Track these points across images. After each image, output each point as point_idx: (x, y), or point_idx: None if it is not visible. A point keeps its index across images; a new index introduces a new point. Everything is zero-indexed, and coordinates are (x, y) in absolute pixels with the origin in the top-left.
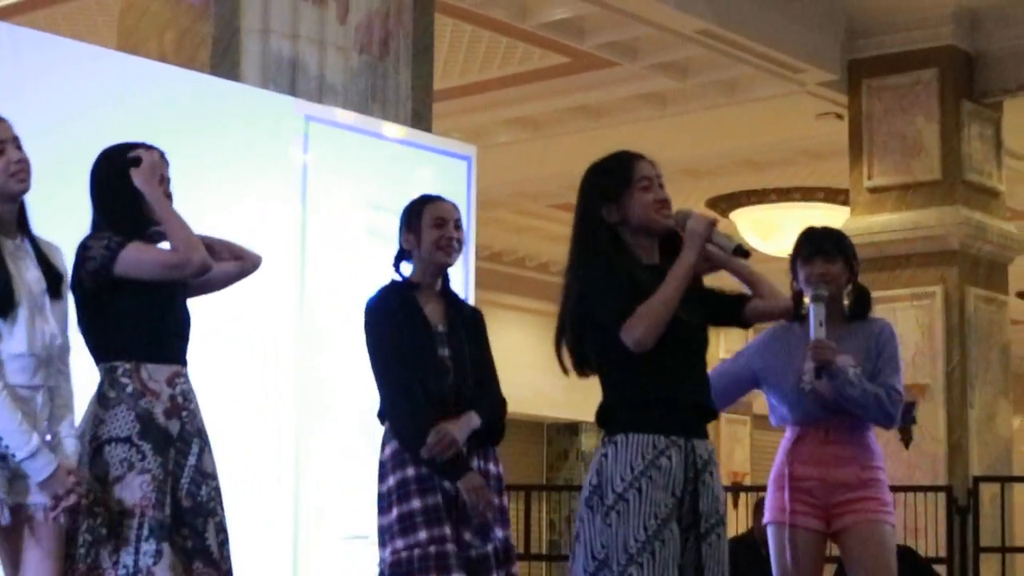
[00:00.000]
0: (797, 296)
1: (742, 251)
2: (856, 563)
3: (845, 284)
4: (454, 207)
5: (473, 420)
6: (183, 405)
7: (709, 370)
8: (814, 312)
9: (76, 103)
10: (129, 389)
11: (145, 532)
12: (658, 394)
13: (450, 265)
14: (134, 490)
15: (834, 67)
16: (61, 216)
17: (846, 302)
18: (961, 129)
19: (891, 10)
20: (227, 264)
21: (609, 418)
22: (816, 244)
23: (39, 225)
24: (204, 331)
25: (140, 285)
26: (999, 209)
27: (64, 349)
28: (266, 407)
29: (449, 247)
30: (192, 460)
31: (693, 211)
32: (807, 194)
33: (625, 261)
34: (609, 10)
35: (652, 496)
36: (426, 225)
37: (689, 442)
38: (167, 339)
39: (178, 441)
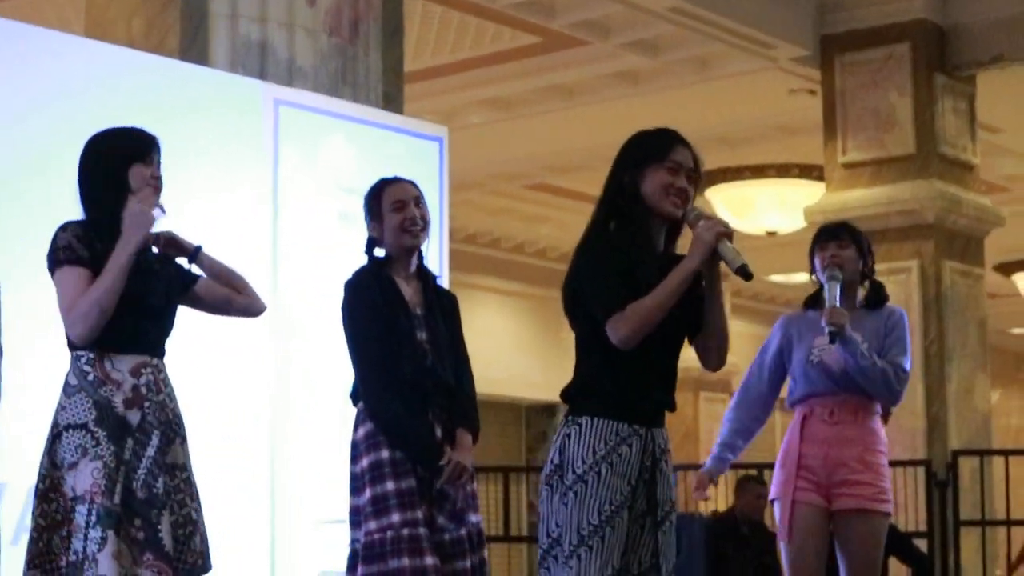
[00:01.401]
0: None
1: (745, 272)
2: (845, 552)
3: (859, 273)
4: (412, 185)
5: (467, 438)
6: (146, 396)
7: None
8: (828, 288)
9: (45, 91)
10: (90, 377)
11: (93, 519)
12: (630, 385)
13: (418, 246)
14: (86, 477)
15: (806, 42)
16: (31, 205)
17: (862, 293)
18: (935, 103)
19: None
20: (230, 295)
21: (577, 398)
22: (831, 231)
23: (9, 214)
24: (177, 320)
25: (101, 276)
26: (974, 182)
27: None
28: (241, 395)
29: (414, 227)
30: (151, 452)
31: (708, 215)
32: (782, 171)
33: (631, 240)
34: None
35: (610, 482)
36: (387, 210)
37: (649, 431)
38: (134, 330)
39: (137, 431)
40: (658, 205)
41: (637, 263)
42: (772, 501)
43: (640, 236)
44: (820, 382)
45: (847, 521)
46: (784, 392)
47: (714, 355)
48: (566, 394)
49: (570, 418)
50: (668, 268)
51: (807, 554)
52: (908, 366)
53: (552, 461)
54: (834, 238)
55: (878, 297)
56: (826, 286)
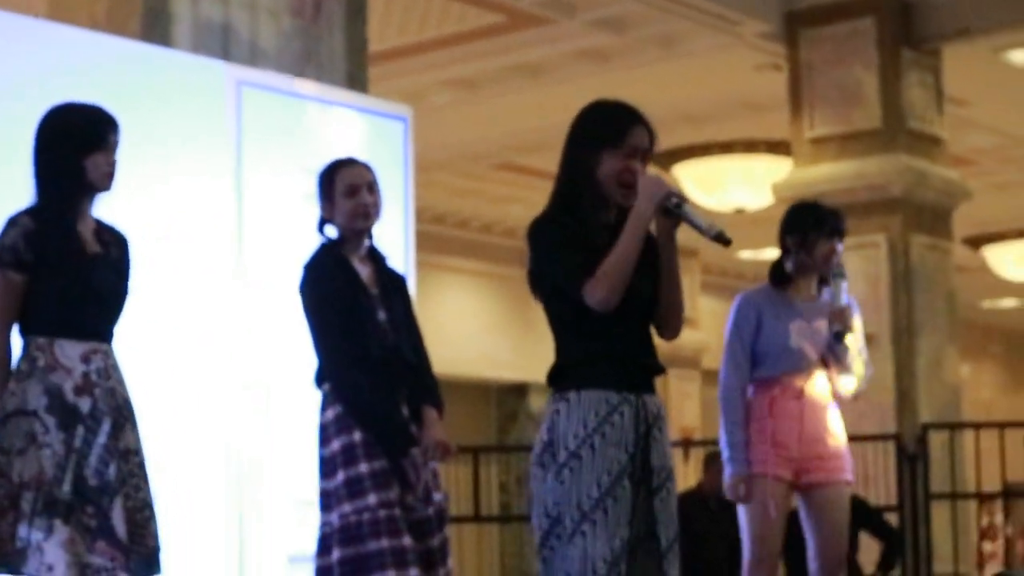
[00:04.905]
0: (783, 259)
1: (723, 238)
2: (816, 522)
3: None
4: (367, 170)
5: (433, 414)
6: (97, 382)
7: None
8: (834, 285)
9: (6, 74)
10: (40, 363)
11: (39, 506)
12: (610, 352)
13: (367, 231)
14: (33, 464)
15: (771, 18)
16: None
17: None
18: (901, 77)
19: None
20: None
21: (561, 377)
22: (841, 227)
23: None
24: (138, 306)
25: (50, 264)
26: (942, 156)
27: None
28: (205, 378)
29: (366, 214)
30: (102, 438)
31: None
32: (749, 147)
33: (581, 216)
34: None
35: (605, 453)
36: (339, 194)
37: (640, 398)
38: (84, 316)
39: (88, 419)
40: (608, 191)
41: (590, 232)
42: (747, 475)
43: (589, 211)
44: (796, 363)
45: (819, 493)
46: (716, 365)
47: (671, 324)
48: (551, 376)
49: (557, 395)
50: (619, 229)
51: (776, 526)
52: (868, 358)
53: (542, 439)
54: (838, 233)
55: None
56: (832, 282)
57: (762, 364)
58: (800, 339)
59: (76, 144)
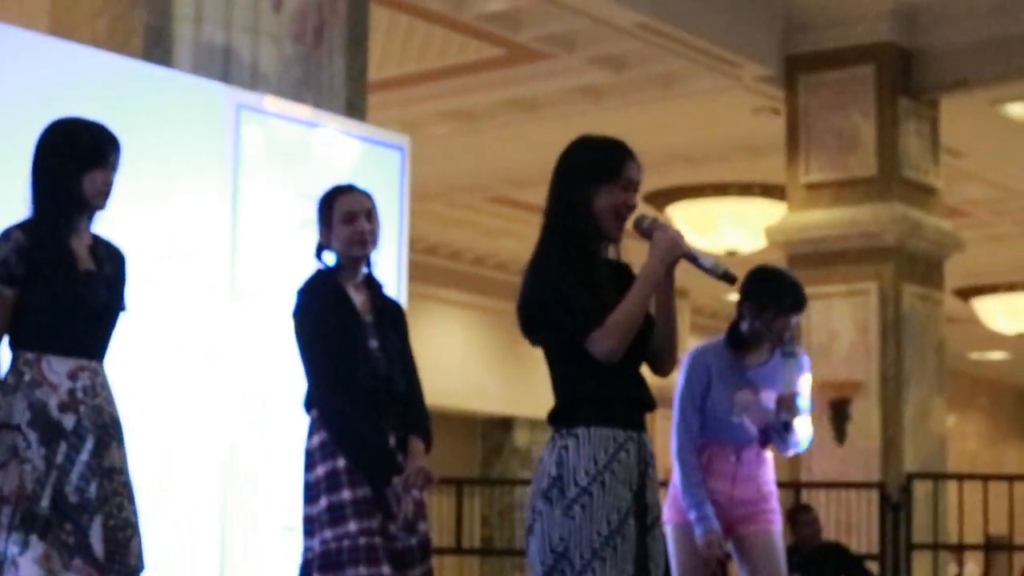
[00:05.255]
0: (739, 320)
1: (728, 276)
2: (752, 569)
3: None
4: (366, 197)
5: (420, 446)
6: (82, 400)
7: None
8: (788, 367)
9: (6, 88)
10: (27, 378)
11: (16, 521)
12: (617, 391)
13: (364, 258)
14: (12, 478)
15: (771, 62)
16: None
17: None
18: (898, 125)
19: (829, 5)
20: None
21: (567, 414)
22: (797, 299)
23: None
24: (134, 323)
25: (41, 279)
26: (936, 206)
27: None
28: (197, 400)
29: (363, 241)
30: (84, 456)
31: (660, 223)
32: (743, 190)
33: (588, 256)
34: (546, 2)
35: (615, 490)
36: (337, 220)
37: (640, 436)
38: (72, 332)
39: (72, 435)
40: (604, 224)
41: (593, 276)
42: (668, 525)
43: (590, 247)
44: (735, 434)
45: (753, 542)
46: None
47: (666, 361)
48: (554, 415)
49: (564, 431)
50: (616, 276)
51: (699, 571)
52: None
53: (549, 474)
54: (798, 308)
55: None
56: (786, 364)
57: (704, 426)
58: (743, 412)
59: (75, 160)
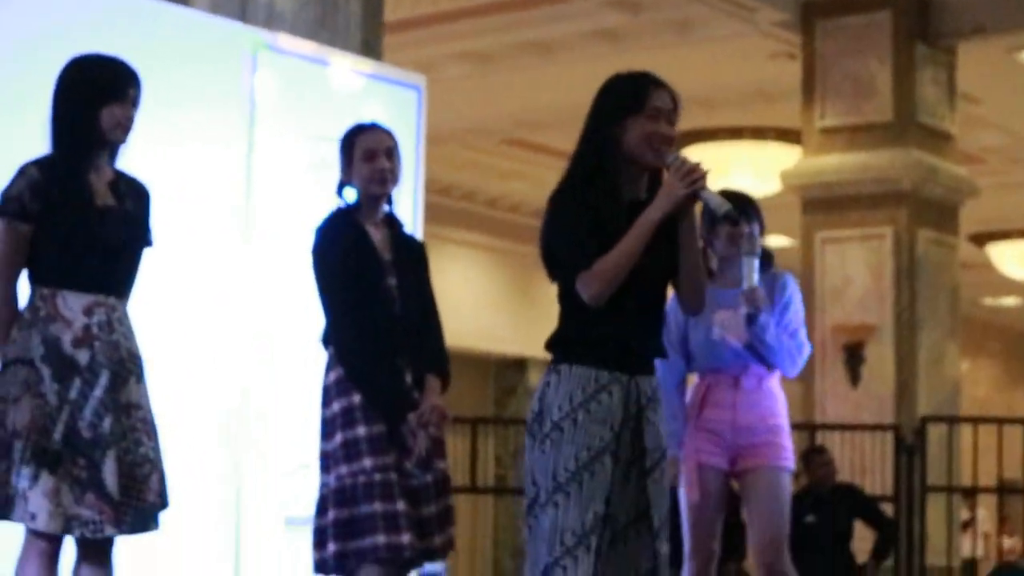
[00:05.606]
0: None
1: (731, 216)
2: (753, 506)
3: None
4: (387, 135)
5: (436, 383)
6: (97, 335)
7: None
8: (747, 264)
9: (25, 33)
10: (42, 313)
11: (27, 455)
12: (607, 332)
13: (384, 196)
14: (24, 413)
15: (787, 7)
16: (8, 149)
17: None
18: (914, 72)
19: None
20: None
21: (557, 346)
22: (741, 206)
23: None
24: (150, 268)
25: (56, 214)
26: (951, 152)
27: None
28: (214, 340)
29: (383, 179)
30: (98, 391)
31: (686, 163)
32: (758, 134)
33: (600, 194)
34: None
35: (588, 428)
36: (358, 158)
37: (633, 379)
38: (88, 268)
39: (86, 371)
40: (640, 156)
41: (606, 214)
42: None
43: (610, 187)
44: (724, 356)
45: (752, 478)
46: None
47: (691, 299)
48: (549, 343)
49: (552, 366)
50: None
51: (708, 509)
52: (805, 337)
53: (532, 410)
54: (744, 214)
55: (768, 262)
56: (743, 262)
57: (694, 359)
58: (722, 330)
59: (93, 94)
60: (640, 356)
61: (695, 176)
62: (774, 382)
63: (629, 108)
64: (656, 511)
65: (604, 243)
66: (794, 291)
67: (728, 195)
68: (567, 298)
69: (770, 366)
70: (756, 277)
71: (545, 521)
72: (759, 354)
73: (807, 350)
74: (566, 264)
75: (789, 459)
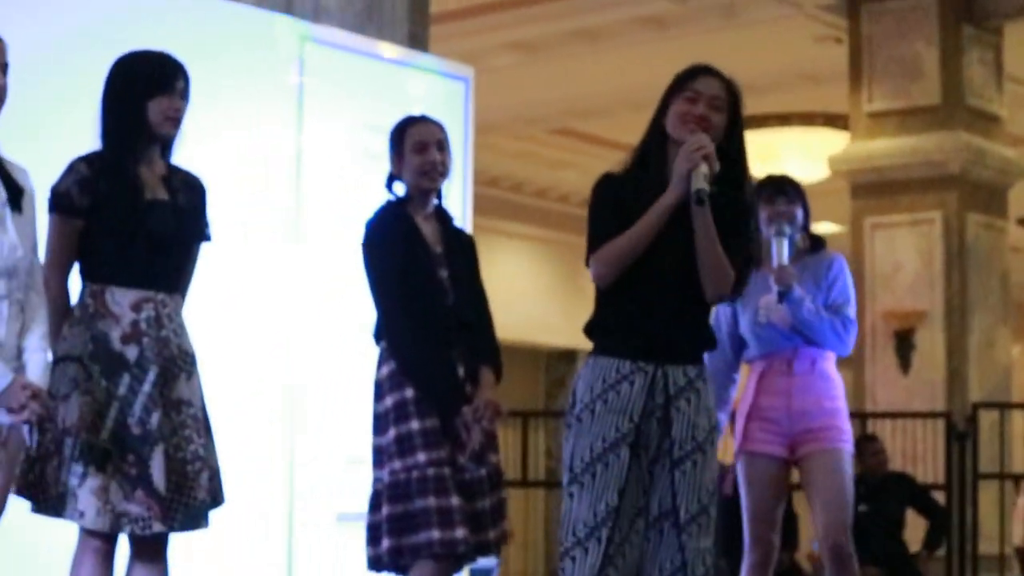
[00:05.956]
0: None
1: (698, 197)
2: (815, 488)
3: (800, 230)
4: (438, 128)
5: (490, 376)
6: (146, 331)
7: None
8: (776, 244)
9: (72, 29)
10: (91, 310)
11: (76, 452)
12: (631, 321)
13: (434, 189)
14: (74, 410)
15: None
16: (57, 145)
17: (801, 246)
18: (961, 54)
19: None
20: None
21: (590, 334)
22: (778, 186)
23: (35, 155)
24: (202, 264)
25: (106, 209)
26: (1000, 134)
27: (30, 263)
28: (264, 334)
29: (433, 171)
30: (147, 387)
31: (696, 141)
32: (806, 119)
33: (639, 182)
34: None
35: (604, 419)
36: (408, 150)
37: (660, 368)
38: (137, 263)
39: (134, 367)
40: (675, 133)
41: (641, 196)
42: (736, 452)
43: (655, 170)
44: (773, 340)
45: (816, 460)
46: None
47: (707, 285)
48: (585, 330)
49: (587, 357)
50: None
51: (768, 504)
52: (853, 314)
53: (569, 401)
54: (781, 193)
55: (817, 244)
56: (774, 242)
57: (747, 346)
58: (768, 312)
59: (140, 87)
60: (669, 345)
61: (695, 154)
62: (828, 364)
63: (674, 92)
64: (683, 503)
65: (628, 225)
66: (841, 269)
67: (770, 178)
68: (598, 288)
69: (820, 346)
70: (787, 256)
71: (561, 512)
72: (806, 335)
73: (854, 327)
74: (588, 247)
75: (848, 441)
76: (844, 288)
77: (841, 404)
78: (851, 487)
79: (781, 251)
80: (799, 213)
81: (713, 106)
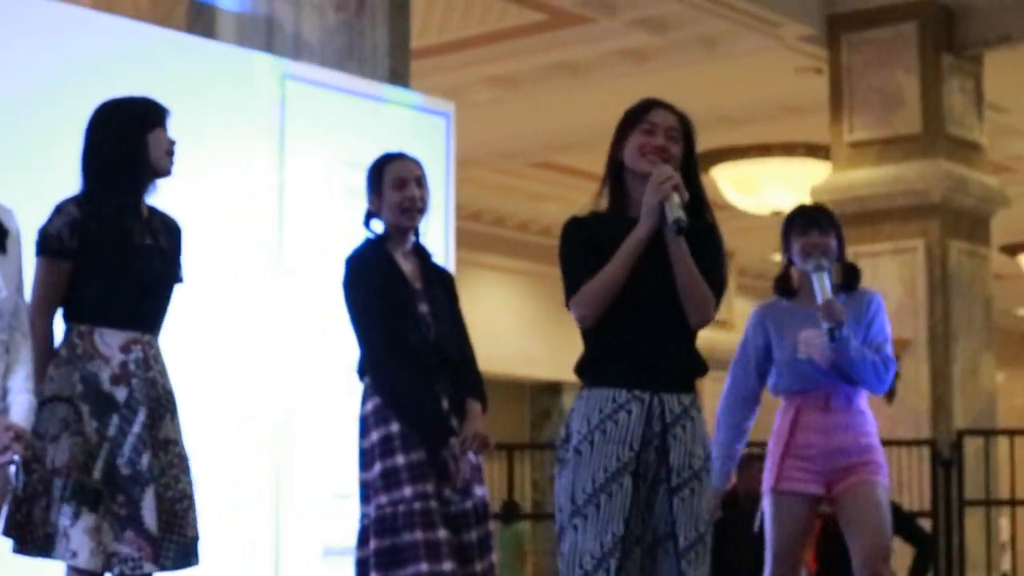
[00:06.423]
0: (787, 269)
1: (678, 226)
2: (854, 519)
3: (835, 260)
4: (415, 164)
5: (477, 407)
6: (135, 372)
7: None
8: (817, 280)
9: (52, 64)
10: (79, 350)
11: (68, 493)
12: (623, 352)
13: (413, 226)
14: (64, 451)
15: (813, 21)
16: (36, 179)
17: (835, 279)
18: (942, 82)
19: None
20: None
21: (580, 372)
22: (812, 217)
23: (15, 188)
24: (186, 300)
25: (95, 252)
26: (980, 162)
27: (15, 304)
28: (247, 370)
29: (412, 208)
30: (137, 428)
31: (663, 172)
32: (787, 149)
33: (609, 218)
34: None
35: (604, 450)
36: (387, 187)
37: (656, 396)
38: (126, 305)
39: (124, 408)
40: (635, 166)
41: (610, 233)
42: (765, 491)
43: (618, 206)
44: (811, 377)
45: (852, 495)
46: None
47: (690, 312)
48: (575, 369)
49: (579, 392)
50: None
51: (794, 543)
52: (892, 352)
53: (560, 436)
54: (815, 224)
55: (854, 278)
56: (814, 278)
57: (781, 379)
58: (808, 349)
59: (137, 122)
60: (663, 373)
61: (664, 185)
62: (863, 401)
63: (629, 125)
64: (681, 531)
65: (602, 263)
66: (879, 307)
67: (802, 208)
68: None
69: (858, 384)
70: (829, 289)
71: (564, 545)
72: (847, 374)
73: (894, 367)
74: (566, 291)
75: (885, 476)
76: (882, 326)
77: (875, 440)
78: (889, 519)
79: (823, 286)
80: (833, 244)
81: (670, 137)
